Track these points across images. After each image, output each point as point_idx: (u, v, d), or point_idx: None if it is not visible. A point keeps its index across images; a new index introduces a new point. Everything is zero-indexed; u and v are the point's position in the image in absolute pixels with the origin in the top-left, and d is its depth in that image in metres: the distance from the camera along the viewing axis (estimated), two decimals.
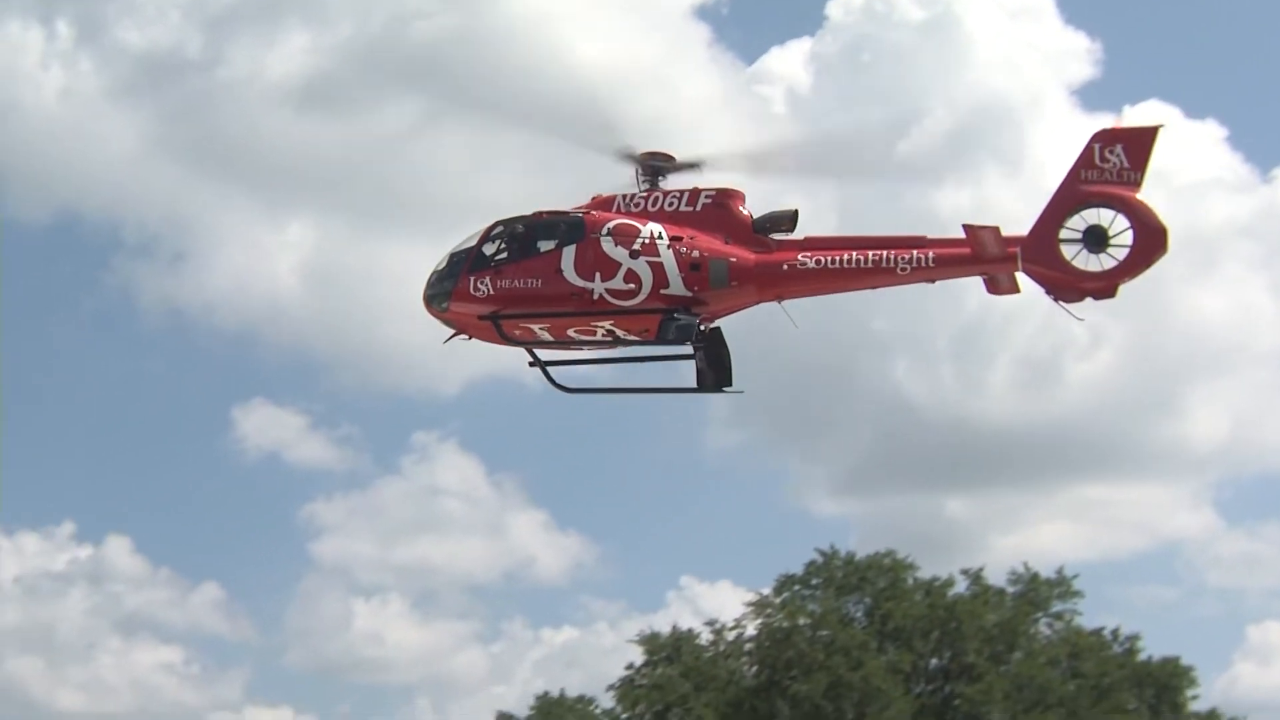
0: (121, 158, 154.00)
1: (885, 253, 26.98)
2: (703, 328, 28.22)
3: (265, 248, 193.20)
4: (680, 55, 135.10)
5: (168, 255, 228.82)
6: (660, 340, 28.23)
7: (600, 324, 28.34)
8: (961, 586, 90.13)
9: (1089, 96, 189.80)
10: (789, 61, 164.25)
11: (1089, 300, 26.81)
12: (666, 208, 28.24)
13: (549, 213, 28.73)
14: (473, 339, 29.68)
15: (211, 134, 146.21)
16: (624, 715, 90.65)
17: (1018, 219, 27.05)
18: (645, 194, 28.61)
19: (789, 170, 28.60)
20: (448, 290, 29.02)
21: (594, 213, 28.54)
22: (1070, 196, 26.50)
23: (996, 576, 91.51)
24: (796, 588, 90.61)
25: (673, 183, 28.77)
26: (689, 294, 27.74)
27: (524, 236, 28.61)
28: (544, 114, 28.63)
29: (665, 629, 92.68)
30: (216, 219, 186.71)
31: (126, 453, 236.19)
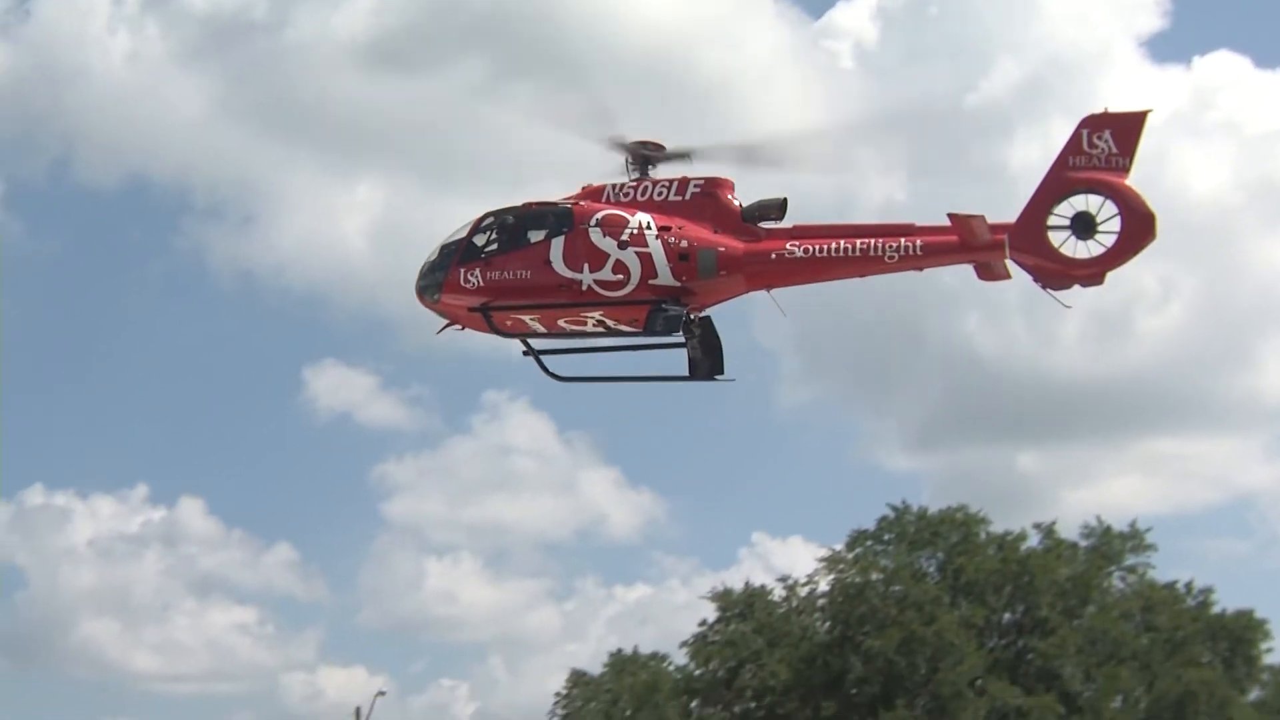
0: (189, 121, 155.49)
1: (873, 241, 26.75)
2: (692, 317, 28.17)
3: (334, 208, 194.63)
4: (746, 11, 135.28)
5: (237, 217, 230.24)
6: (648, 331, 28.10)
7: (590, 314, 28.24)
8: (1034, 540, 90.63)
9: (1158, 48, 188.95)
10: (856, 16, 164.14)
11: (1077, 288, 26.67)
12: (655, 197, 28.13)
13: (538, 204, 28.64)
14: (465, 329, 29.60)
15: (279, 96, 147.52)
16: (697, 672, 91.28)
17: None
18: (635, 183, 28.42)
19: (782, 164, 28.30)
20: (439, 282, 28.94)
21: (583, 203, 28.37)
22: (1058, 183, 26.21)
23: (1069, 530, 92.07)
24: (869, 543, 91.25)
25: (663, 172, 28.56)
26: (678, 284, 27.66)
27: (513, 228, 28.51)
28: (540, 100, 28.71)
29: (738, 585, 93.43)
30: (285, 180, 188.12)
31: (198, 415, 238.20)
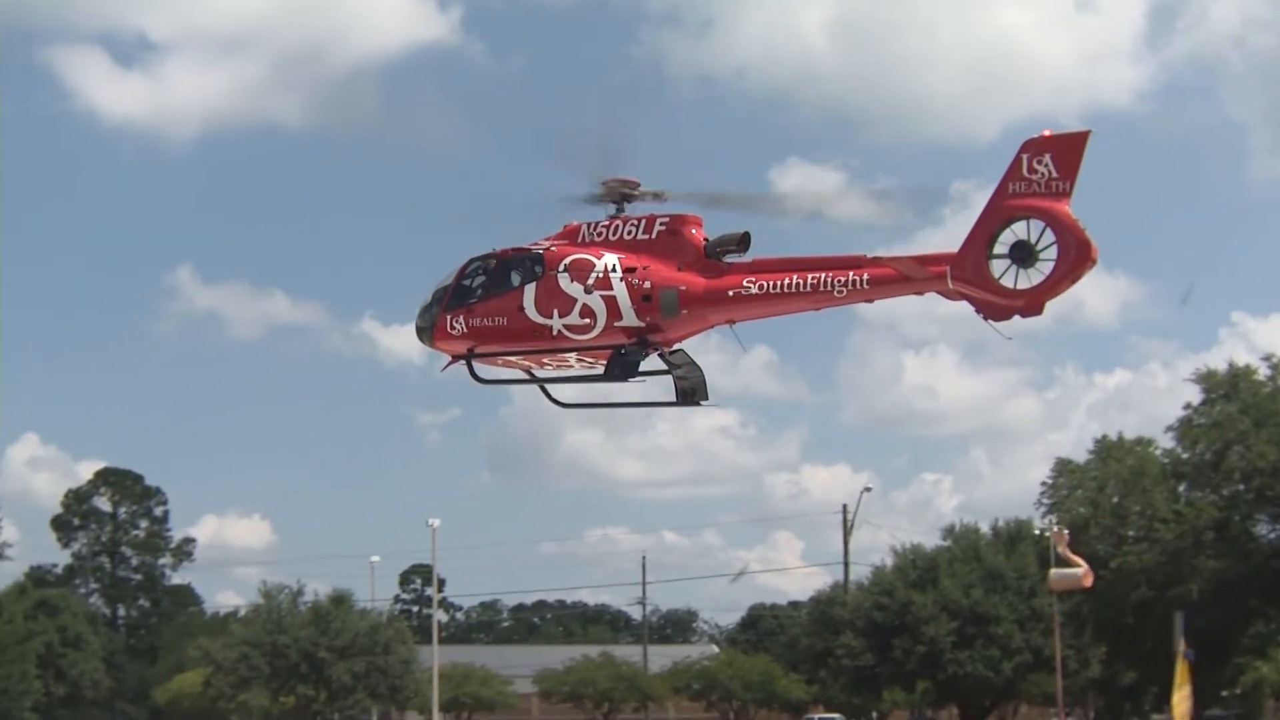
0: None
1: (823, 275, 27.76)
2: (664, 353, 30.11)
3: (792, 6, 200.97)
4: None
5: (695, 23, 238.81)
6: (607, 377, 30.26)
7: (567, 356, 30.58)
8: None
9: None
10: None
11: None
12: (626, 236, 29.71)
13: (515, 250, 30.61)
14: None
15: None
16: (1184, 455, 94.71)
17: None
18: (608, 222, 30.06)
19: (747, 209, 30.10)
20: (431, 324, 31.29)
21: (554, 248, 30.10)
22: (998, 211, 26.55)
23: None
24: None
25: (636, 209, 30.30)
26: (642, 324, 29.31)
27: (493, 274, 30.59)
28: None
29: (1220, 366, 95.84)
30: None
31: None
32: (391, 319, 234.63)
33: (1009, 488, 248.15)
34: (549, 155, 29.47)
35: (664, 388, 30.74)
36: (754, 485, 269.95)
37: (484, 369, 31.39)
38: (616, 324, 29.40)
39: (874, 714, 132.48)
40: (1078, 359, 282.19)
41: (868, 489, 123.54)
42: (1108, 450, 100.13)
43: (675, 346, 30.24)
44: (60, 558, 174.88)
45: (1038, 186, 26.17)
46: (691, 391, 30.62)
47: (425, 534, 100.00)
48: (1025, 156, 26.28)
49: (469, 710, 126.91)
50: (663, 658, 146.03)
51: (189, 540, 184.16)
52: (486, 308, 30.42)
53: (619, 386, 30.58)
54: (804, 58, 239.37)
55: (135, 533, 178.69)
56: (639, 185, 30.02)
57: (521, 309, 30.00)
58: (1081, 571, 73.32)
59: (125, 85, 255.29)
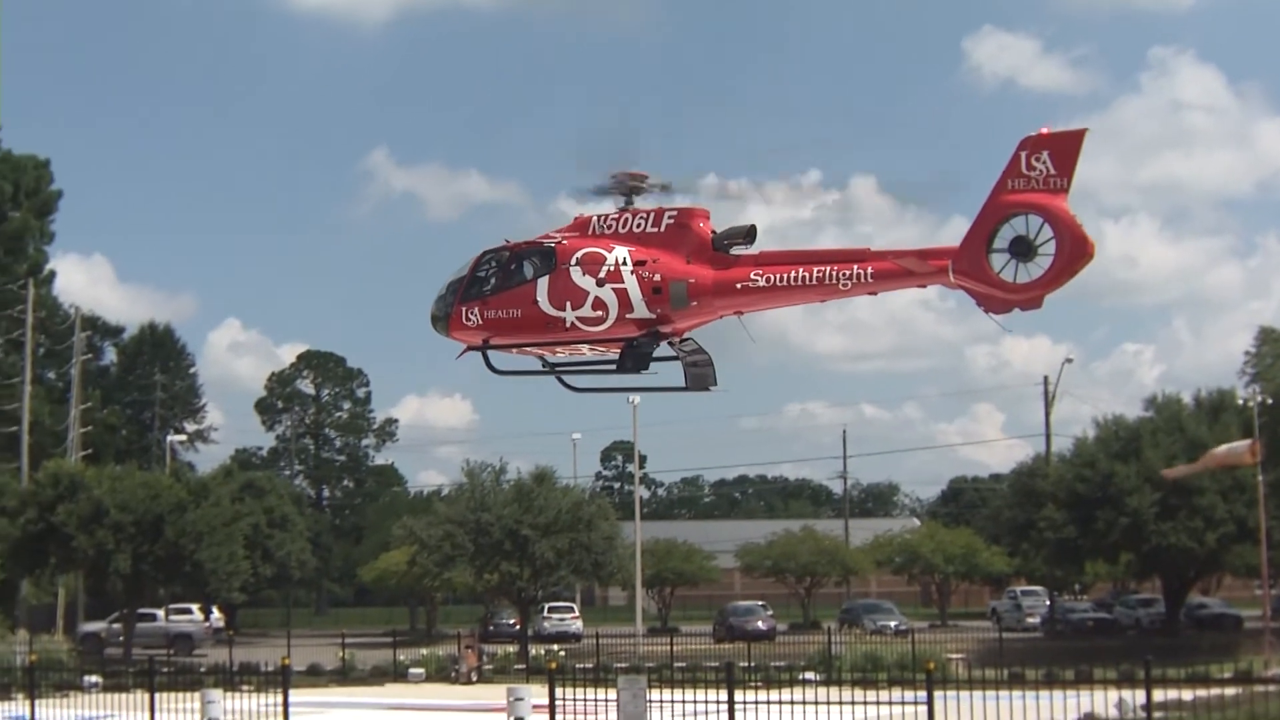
0: None
1: (828, 269, 28.92)
2: (674, 341, 31.33)
3: None
4: None
5: None
6: (620, 369, 31.57)
7: (580, 347, 31.69)
8: None
9: None
10: None
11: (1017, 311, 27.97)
12: (635, 229, 30.73)
13: (528, 243, 31.66)
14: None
15: None
16: None
17: None
18: (617, 215, 31.05)
19: (751, 197, 31.24)
20: (447, 315, 32.49)
21: (566, 241, 31.10)
22: (997, 207, 27.40)
23: None
24: None
25: (645, 202, 31.20)
26: (653, 315, 30.41)
27: (506, 266, 31.66)
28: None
29: None
30: None
31: (861, 93, 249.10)
32: (588, 196, 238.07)
33: (1211, 358, 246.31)
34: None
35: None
36: (954, 358, 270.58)
37: (499, 358, 32.83)
38: (628, 316, 30.52)
39: (1076, 586, 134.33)
40: None
41: (1069, 360, 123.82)
42: None
43: (684, 335, 31.40)
44: (264, 440, 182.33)
45: (1036, 183, 27.07)
46: (701, 378, 32.16)
47: (626, 411, 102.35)
48: (1023, 154, 27.15)
49: (672, 585, 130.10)
50: (864, 531, 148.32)
51: (391, 421, 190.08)
52: (501, 300, 31.59)
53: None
54: None
55: (338, 414, 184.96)
56: (647, 178, 31.04)
57: (535, 301, 31.11)
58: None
59: None
